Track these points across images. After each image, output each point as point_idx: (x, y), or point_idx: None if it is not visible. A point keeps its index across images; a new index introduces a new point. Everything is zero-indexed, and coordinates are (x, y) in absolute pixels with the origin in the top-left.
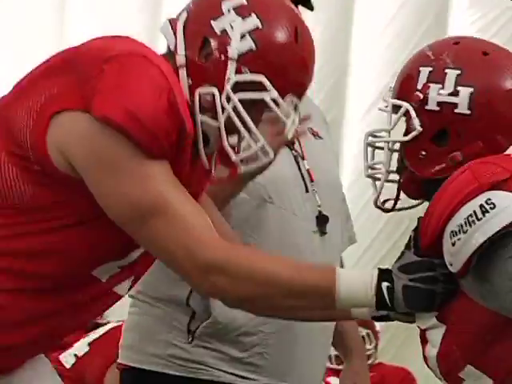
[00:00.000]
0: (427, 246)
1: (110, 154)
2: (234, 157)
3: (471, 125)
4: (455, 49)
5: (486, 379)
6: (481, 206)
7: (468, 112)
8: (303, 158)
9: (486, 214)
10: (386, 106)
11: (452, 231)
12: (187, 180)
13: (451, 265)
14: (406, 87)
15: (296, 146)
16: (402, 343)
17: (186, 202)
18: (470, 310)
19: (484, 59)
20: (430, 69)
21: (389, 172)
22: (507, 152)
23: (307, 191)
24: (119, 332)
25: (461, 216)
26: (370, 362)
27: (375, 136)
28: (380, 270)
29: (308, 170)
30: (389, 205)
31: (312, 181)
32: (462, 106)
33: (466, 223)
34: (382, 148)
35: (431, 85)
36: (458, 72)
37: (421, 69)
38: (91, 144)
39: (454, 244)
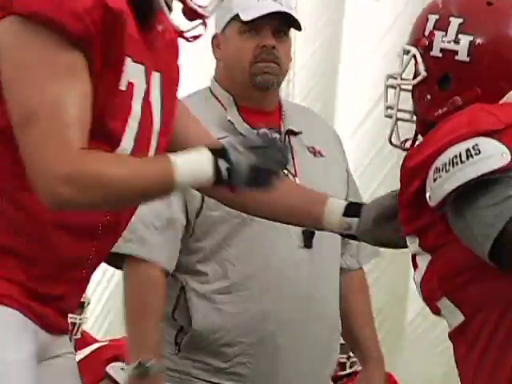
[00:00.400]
0: (409, 173)
1: (30, 49)
2: (199, 9)
3: (470, 71)
4: None
5: (459, 314)
6: (467, 150)
7: (467, 59)
8: (294, 176)
9: (470, 159)
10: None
11: (436, 167)
12: (145, 57)
13: (430, 198)
14: (416, 33)
15: (288, 164)
16: (388, 351)
17: (73, 110)
18: (453, 247)
19: (487, 9)
20: (437, 17)
21: (399, 111)
22: (506, 100)
23: None
24: (105, 351)
25: (447, 155)
26: (354, 369)
27: (392, 78)
28: (215, 148)
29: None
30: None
31: None
32: (462, 53)
33: (449, 163)
34: (405, 90)
35: (436, 32)
36: (461, 21)
37: (429, 16)
38: (14, 45)
39: (435, 180)
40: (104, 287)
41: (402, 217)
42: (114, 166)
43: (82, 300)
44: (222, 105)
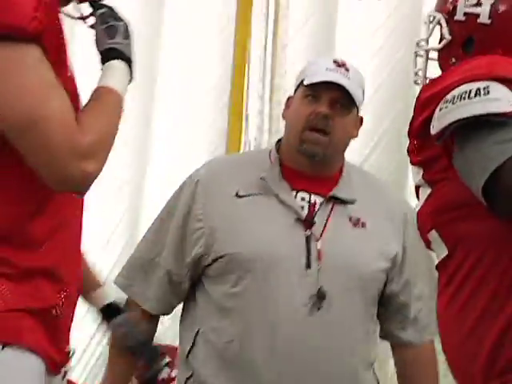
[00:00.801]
0: (421, 103)
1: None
2: None
3: (491, 33)
4: None
5: (444, 248)
6: (477, 89)
7: (488, 21)
8: (317, 240)
9: (477, 97)
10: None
11: (445, 99)
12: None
13: (433, 127)
14: (440, 0)
15: (315, 227)
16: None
17: (59, 98)
18: (450, 183)
19: None
20: None
21: (426, 78)
22: None
23: (309, 267)
24: None
25: (458, 90)
26: None
27: (418, 45)
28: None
29: (319, 250)
30: None
31: (319, 260)
32: (484, 15)
33: (458, 97)
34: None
35: None
36: None
37: None
38: None
39: (441, 109)
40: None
41: (411, 147)
42: (101, 122)
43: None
44: (271, 162)
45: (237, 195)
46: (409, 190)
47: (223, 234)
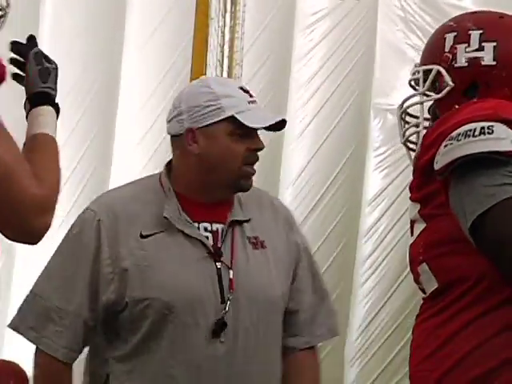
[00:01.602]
0: (426, 145)
1: None
2: None
3: (498, 74)
4: (474, 16)
5: (434, 281)
6: (482, 128)
7: (494, 63)
8: (229, 268)
9: (482, 135)
10: (415, 78)
11: (450, 136)
12: None
13: (437, 162)
14: (434, 53)
15: (224, 257)
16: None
17: (12, 155)
18: (444, 219)
19: (501, 20)
20: (455, 33)
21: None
22: None
23: (223, 302)
24: None
25: (462, 128)
26: None
27: (408, 103)
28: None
29: (231, 280)
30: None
31: (231, 290)
32: (488, 58)
33: (462, 134)
34: (416, 116)
35: (458, 46)
36: (481, 31)
37: (446, 35)
38: None
39: (445, 146)
40: None
41: (413, 184)
42: (52, 173)
43: None
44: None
45: (141, 236)
46: None
47: (135, 279)
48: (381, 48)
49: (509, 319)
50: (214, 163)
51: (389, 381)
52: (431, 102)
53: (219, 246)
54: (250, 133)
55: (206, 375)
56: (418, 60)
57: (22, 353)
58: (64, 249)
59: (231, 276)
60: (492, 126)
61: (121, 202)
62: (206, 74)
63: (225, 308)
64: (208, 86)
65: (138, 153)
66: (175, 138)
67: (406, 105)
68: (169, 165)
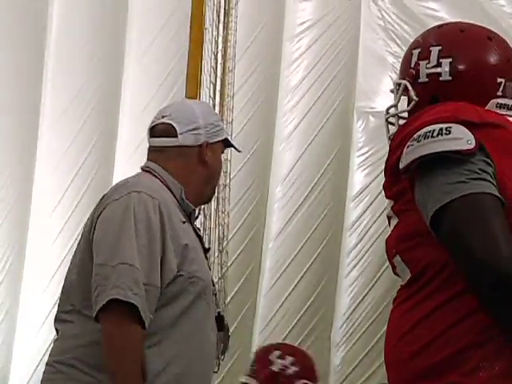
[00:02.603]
0: (395, 144)
1: None
2: None
3: (454, 88)
4: (437, 31)
5: (408, 272)
6: (440, 129)
7: (450, 78)
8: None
9: (439, 136)
10: (391, 90)
11: (413, 138)
12: None
13: (401, 162)
14: (403, 68)
15: (207, 255)
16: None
17: None
18: (412, 215)
19: (461, 35)
20: (419, 50)
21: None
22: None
23: (213, 293)
24: None
25: (424, 130)
26: None
27: (388, 113)
28: None
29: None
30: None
31: (214, 285)
32: (445, 74)
33: (423, 136)
34: (392, 124)
35: (420, 62)
36: (440, 48)
37: (413, 51)
38: None
39: (408, 147)
40: None
41: (385, 183)
42: None
43: None
44: (174, 196)
45: (181, 221)
46: None
47: (190, 256)
48: (363, 55)
49: (473, 305)
50: (214, 175)
51: (372, 364)
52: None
53: (206, 245)
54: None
55: (212, 350)
56: (397, 66)
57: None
58: (136, 227)
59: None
60: (450, 127)
61: (158, 190)
62: (200, 79)
63: (215, 301)
64: (210, 108)
65: (139, 154)
66: (185, 149)
67: (386, 115)
68: (147, 169)
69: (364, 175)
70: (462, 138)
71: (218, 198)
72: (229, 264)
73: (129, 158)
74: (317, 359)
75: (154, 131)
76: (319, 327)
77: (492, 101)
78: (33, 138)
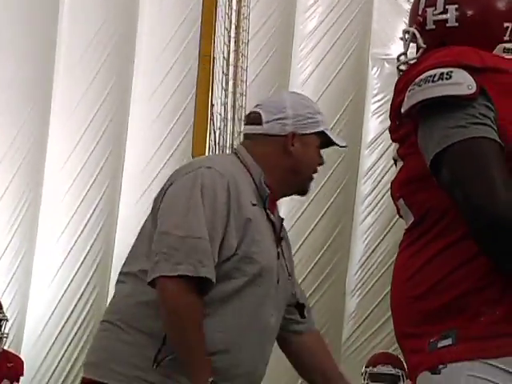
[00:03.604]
0: (400, 87)
1: None
2: None
3: (461, 34)
4: None
5: (410, 215)
6: (441, 73)
7: (456, 24)
8: (279, 256)
9: (440, 81)
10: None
11: (414, 82)
12: None
13: (403, 106)
14: (412, 16)
15: (281, 245)
16: None
17: None
18: (415, 158)
19: None
20: None
21: None
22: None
23: (278, 282)
24: None
25: (425, 74)
26: None
27: (398, 60)
28: None
29: (281, 266)
30: None
31: (289, 275)
32: (451, 20)
33: (424, 80)
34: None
35: (427, 9)
36: None
37: None
38: None
39: (409, 91)
40: None
41: (391, 126)
42: None
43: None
44: (252, 178)
45: (251, 203)
46: None
47: (251, 235)
48: (378, 2)
49: (473, 250)
50: (301, 167)
51: (386, 311)
52: None
53: (281, 235)
54: (324, 148)
55: (262, 336)
56: None
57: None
58: (203, 202)
59: (282, 263)
60: (451, 71)
61: (232, 170)
62: (215, 25)
63: (280, 291)
64: (305, 100)
65: (153, 102)
66: (271, 138)
67: (397, 63)
68: (234, 151)
69: (379, 122)
70: (462, 83)
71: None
72: None
73: (143, 107)
74: (331, 306)
75: (247, 119)
76: (334, 274)
77: (499, 45)
78: (48, 86)
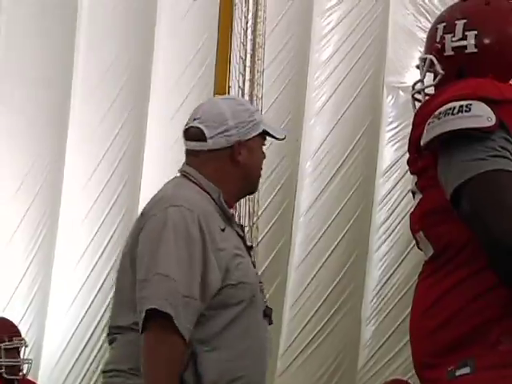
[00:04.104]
0: (418, 119)
1: None
2: None
3: (480, 60)
4: (463, 5)
5: (430, 248)
6: (460, 106)
7: (475, 50)
8: (253, 262)
9: (459, 114)
10: (417, 65)
11: (434, 115)
12: None
13: (423, 139)
14: (429, 43)
15: (251, 252)
16: None
17: None
18: (435, 191)
19: (485, 8)
20: (445, 24)
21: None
22: None
23: (260, 290)
24: None
25: (445, 107)
26: None
27: (414, 88)
28: None
29: (257, 273)
30: None
31: (261, 282)
32: (470, 46)
33: (444, 113)
34: (419, 100)
35: (446, 35)
36: (465, 21)
37: (437, 26)
38: None
39: (429, 124)
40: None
41: (410, 158)
42: None
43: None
44: (212, 199)
45: (221, 229)
46: None
47: (232, 264)
48: (393, 30)
49: (493, 281)
50: (251, 172)
51: (402, 338)
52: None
53: (249, 243)
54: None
55: (265, 352)
56: None
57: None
58: (176, 241)
59: (257, 270)
60: (470, 104)
61: (197, 200)
62: (230, 55)
63: (263, 296)
64: (242, 104)
65: (171, 127)
66: (217, 152)
67: (413, 91)
68: (184, 173)
69: (394, 150)
70: (481, 116)
71: None
72: (259, 239)
73: (161, 131)
74: (347, 334)
75: (188, 134)
76: (349, 302)
77: None
78: (65, 111)
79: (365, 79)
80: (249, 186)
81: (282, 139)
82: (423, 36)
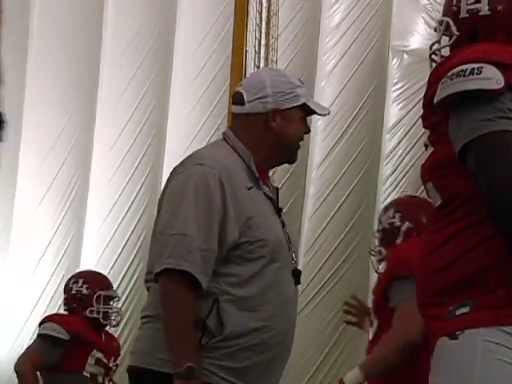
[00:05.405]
0: (434, 77)
1: None
2: None
3: (493, 22)
4: None
5: (439, 198)
6: (472, 69)
7: (488, 13)
8: (284, 226)
9: (470, 75)
10: (435, 27)
11: (447, 75)
12: None
13: (436, 97)
14: (446, 6)
15: (282, 214)
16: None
17: None
18: (445, 145)
19: None
20: None
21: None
22: None
23: (289, 250)
24: None
25: (457, 69)
26: None
27: (431, 49)
28: None
29: (288, 233)
30: None
31: (290, 243)
32: (484, 9)
33: (456, 74)
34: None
35: None
36: None
37: None
38: None
39: (442, 83)
40: None
41: (423, 114)
42: None
43: None
44: (243, 160)
45: (247, 188)
46: None
47: (254, 222)
48: None
49: (491, 232)
50: (286, 141)
51: None
52: None
53: (279, 206)
54: (309, 117)
55: (289, 313)
56: (429, 7)
57: None
58: (196, 198)
59: (287, 231)
60: (481, 67)
61: (223, 159)
62: (247, 22)
63: (292, 257)
64: (284, 76)
65: (192, 91)
66: (253, 116)
67: (430, 51)
68: (224, 135)
69: (399, 109)
70: (491, 78)
71: None
72: None
73: (183, 96)
74: (355, 280)
75: (233, 98)
76: (359, 248)
77: None
78: (94, 81)
79: (371, 43)
80: (283, 154)
81: (325, 115)
82: (425, 2)
